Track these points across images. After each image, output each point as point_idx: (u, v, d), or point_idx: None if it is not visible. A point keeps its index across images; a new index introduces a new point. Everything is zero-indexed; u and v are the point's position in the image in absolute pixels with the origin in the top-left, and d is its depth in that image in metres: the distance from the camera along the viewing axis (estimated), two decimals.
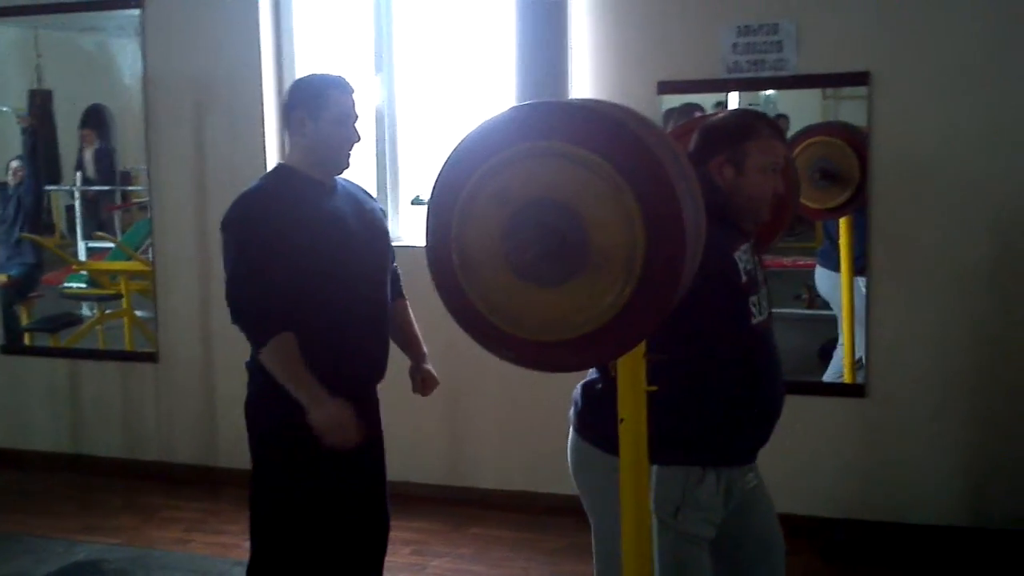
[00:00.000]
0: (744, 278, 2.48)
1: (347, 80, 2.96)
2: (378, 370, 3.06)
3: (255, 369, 2.92)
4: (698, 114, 4.43)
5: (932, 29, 4.17)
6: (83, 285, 6.17)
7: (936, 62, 4.17)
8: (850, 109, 4.52)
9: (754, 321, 2.50)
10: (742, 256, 2.49)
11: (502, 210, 1.91)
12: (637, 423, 2.57)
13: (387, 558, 3.18)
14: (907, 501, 4.31)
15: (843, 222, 4.45)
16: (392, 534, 3.17)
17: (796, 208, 2.87)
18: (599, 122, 1.92)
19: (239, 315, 2.82)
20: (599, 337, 1.92)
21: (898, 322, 4.28)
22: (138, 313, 5.77)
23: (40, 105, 5.98)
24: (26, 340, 5.84)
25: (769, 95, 4.63)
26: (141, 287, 5.72)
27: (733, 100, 4.58)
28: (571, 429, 2.68)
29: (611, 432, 2.47)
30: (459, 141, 1.98)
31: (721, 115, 2.65)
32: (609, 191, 1.86)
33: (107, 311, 6.03)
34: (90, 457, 5.56)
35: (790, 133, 4.39)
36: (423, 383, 3.18)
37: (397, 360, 3.15)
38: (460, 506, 4.79)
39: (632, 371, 2.57)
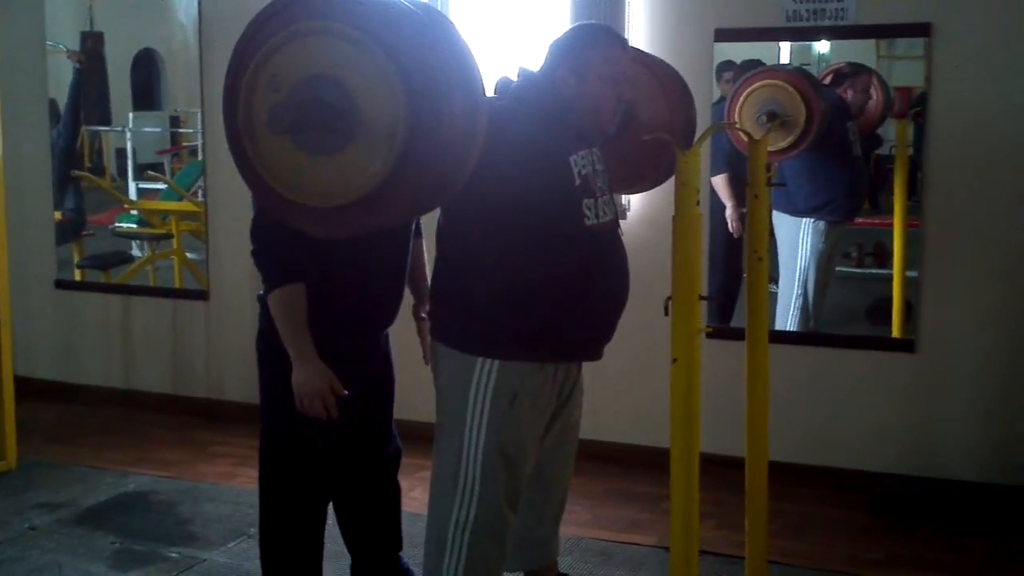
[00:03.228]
0: (578, 181, 2.58)
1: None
2: (390, 319, 3.10)
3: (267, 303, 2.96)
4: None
5: None
6: (134, 225, 6.25)
7: (1005, 14, 4.07)
8: (905, 69, 4.47)
9: (587, 223, 2.59)
10: (579, 160, 2.60)
11: (278, 92, 2.10)
12: (689, 363, 2.59)
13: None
14: (954, 457, 4.29)
15: (898, 174, 4.45)
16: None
17: (685, 136, 3.00)
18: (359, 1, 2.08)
19: (257, 255, 2.83)
20: (371, 203, 2.10)
21: (949, 280, 4.24)
22: (188, 255, 5.83)
23: (91, 47, 6.02)
24: (77, 277, 5.93)
25: (823, 53, 4.58)
26: (192, 228, 5.77)
27: (785, 52, 4.55)
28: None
29: (456, 328, 2.63)
30: (238, 38, 2.20)
31: (566, 29, 2.74)
32: (372, 65, 2.01)
33: (157, 251, 6.11)
34: (141, 392, 5.66)
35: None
36: (421, 329, 3.20)
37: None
38: None
39: (685, 314, 2.59)
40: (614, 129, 2.71)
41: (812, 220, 4.58)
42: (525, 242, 2.54)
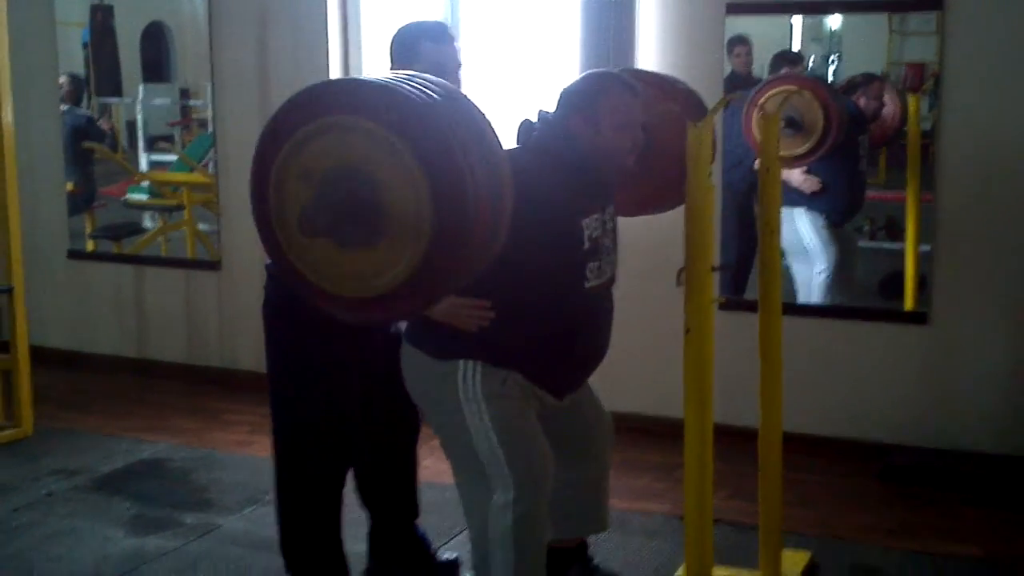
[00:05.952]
0: (587, 245, 2.63)
1: (444, 27, 2.98)
2: None
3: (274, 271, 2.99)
4: (785, 70, 4.46)
5: None
6: (145, 196, 6.26)
7: None
8: (916, 46, 4.47)
9: (587, 285, 2.66)
10: (591, 223, 2.64)
11: (308, 184, 2.13)
12: (702, 334, 2.61)
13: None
14: (966, 428, 4.30)
15: (911, 148, 4.44)
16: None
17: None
18: (387, 96, 2.09)
19: None
20: (403, 293, 2.13)
21: (962, 253, 4.24)
22: (200, 226, 5.86)
23: (101, 20, 6.02)
24: (90, 247, 5.96)
25: (834, 30, 4.56)
26: (203, 199, 5.79)
27: (797, 27, 4.54)
28: (403, 340, 2.79)
29: (432, 336, 2.64)
30: (264, 126, 2.19)
31: (578, 78, 2.75)
32: (394, 159, 2.04)
33: (169, 222, 6.13)
34: (154, 362, 5.70)
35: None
36: None
37: None
38: None
39: (698, 284, 2.61)
40: (632, 166, 2.70)
41: (806, 209, 4.57)
42: (521, 300, 2.59)
